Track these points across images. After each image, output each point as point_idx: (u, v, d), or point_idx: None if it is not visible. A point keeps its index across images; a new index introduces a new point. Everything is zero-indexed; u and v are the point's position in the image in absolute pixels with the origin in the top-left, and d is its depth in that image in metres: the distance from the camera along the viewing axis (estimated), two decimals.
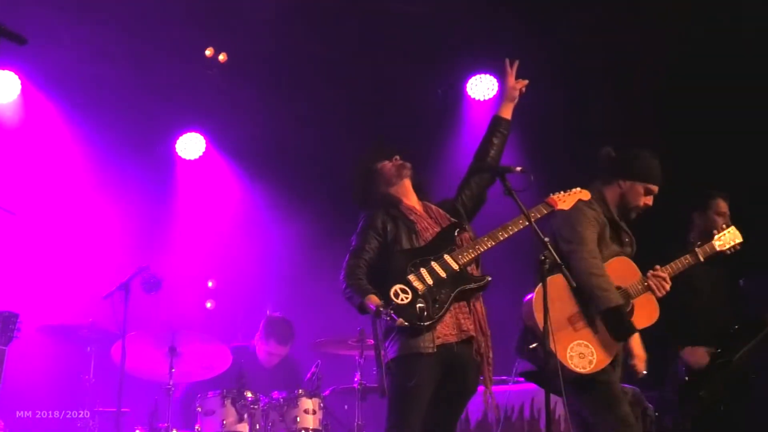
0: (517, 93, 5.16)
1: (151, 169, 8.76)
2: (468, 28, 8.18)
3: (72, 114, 8.10)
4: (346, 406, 7.24)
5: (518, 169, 4.93)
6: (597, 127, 8.06)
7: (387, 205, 4.79)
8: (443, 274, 4.51)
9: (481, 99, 8.66)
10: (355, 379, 6.91)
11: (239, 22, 7.94)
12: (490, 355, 4.64)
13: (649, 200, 5.20)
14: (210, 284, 7.87)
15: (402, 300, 4.40)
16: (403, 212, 4.76)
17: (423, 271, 4.50)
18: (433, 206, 4.89)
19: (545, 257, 4.54)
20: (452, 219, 4.79)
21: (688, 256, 5.20)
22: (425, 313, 4.39)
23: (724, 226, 5.85)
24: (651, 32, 7.78)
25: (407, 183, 4.90)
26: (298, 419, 6.72)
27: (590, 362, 4.86)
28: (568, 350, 4.82)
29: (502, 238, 4.70)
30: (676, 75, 7.89)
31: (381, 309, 4.27)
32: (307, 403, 6.79)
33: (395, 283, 4.44)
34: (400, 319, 4.29)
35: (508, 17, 8.02)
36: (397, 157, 4.92)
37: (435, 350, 4.41)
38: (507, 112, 5.15)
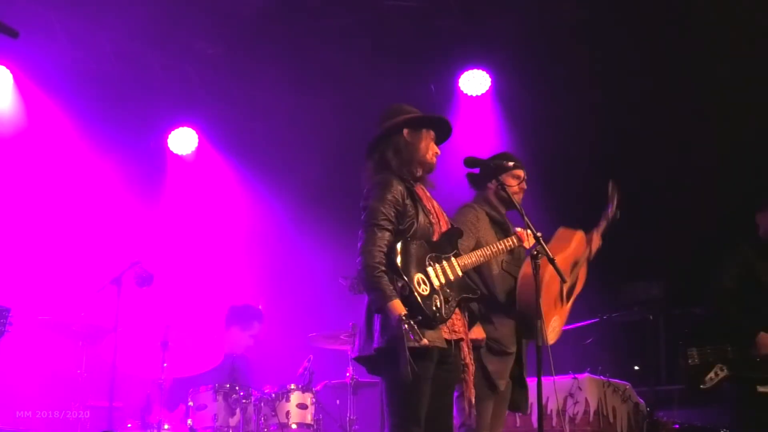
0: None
1: (143, 164, 8.75)
2: (460, 24, 8.17)
3: (64, 109, 8.08)
4: (338, 401, 7.24)
5: (511, 163, 4.97)
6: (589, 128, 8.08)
7: (408, 178, 4.52)
8: (452, 277, 4.41)
9: (473, 94, 8.64)
10: (348, 374, 6.91)
11: (230, 17, 7.91)
12: (473, 366, 4.52)
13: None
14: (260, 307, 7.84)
15: (423, 290, 4.24)
16: (420, 197, 4.50)
17: (438, 267, 4.37)
18: (434, 201, 4.63)
19: (537, 252, 4.57)
20: (450, 221, 4.63)
21: None
22: (443, 310, 4.27)
23: None
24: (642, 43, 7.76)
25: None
26: (290, 413, 6.72)
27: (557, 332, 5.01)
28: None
29: (495, 251, 4.71)
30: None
31: (404, 318, 4.05)
32: (300, 398, 6.78)
33: (417, 271, 4.27)
34: (424, 340, 4.04)
35: (499, 13, 8.02)
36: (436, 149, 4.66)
37: (444, 345, 4.31)
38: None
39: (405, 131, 4.55)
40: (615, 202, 5.38)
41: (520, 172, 5.20)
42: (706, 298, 6.18)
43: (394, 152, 4.54)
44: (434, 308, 4.24)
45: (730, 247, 6.21)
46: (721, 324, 6.08)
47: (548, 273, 4.79)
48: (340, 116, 8.70)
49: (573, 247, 5.13)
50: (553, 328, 4.94)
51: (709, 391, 5.94)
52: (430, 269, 4.33)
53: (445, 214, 4.63)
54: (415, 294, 4.18)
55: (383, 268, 4.21)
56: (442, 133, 4.69)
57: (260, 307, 7.67)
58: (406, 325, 4.02)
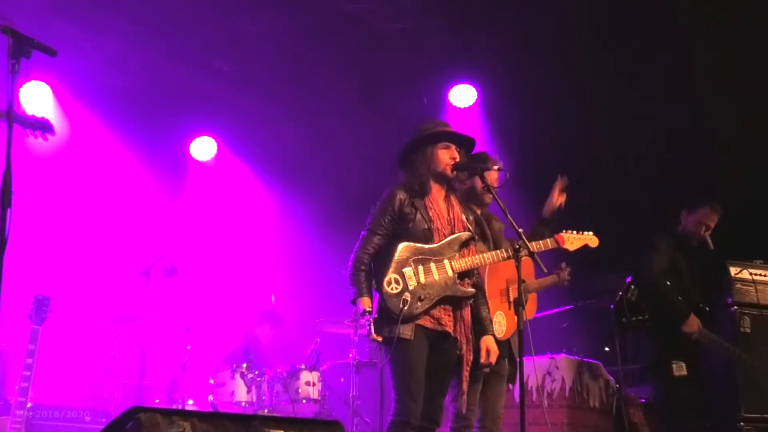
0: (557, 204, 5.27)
1: (168, 169, 8.75)
2: (449, 44, 8.17)
3: (98, 120, 8.08)
4: (342, 379, 7.26)
5: (496, 167, 4.94)
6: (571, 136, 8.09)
7: (416, 188, 4.57)
8: (437, 277, 4.42)
9: (462, 107, 8.65)
10: (350, 355, 6.93)
11: (244, 39, 7.92)
12: (470, 357, 4.53)
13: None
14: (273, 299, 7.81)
15: (392, 289, 4.35)
16: (426, 205, 4.54)
17: (420, 268, 4.41)
18: (456, 206, 4.66)
19: (520, 246, 4.55)
20: (467, 226, 4.63)
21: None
22: (404, 306, 4.31)
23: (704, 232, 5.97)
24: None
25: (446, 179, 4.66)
26: (300, 390, 6.75)
27: (501, 331, 4.91)
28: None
29: (492, 261, 4.62)
30: None
31: (365, 314, 4.35)
32: (308, 376, 6.82)
33: (394, 271, 4.37)
34: (373, 335, 4.31)
35: (485, 32, 8.02)
36: (457, 153, 4.66)
37: (411, 337, 4.35)
38: (549, 212, 5.27)
39: (414, 153, 4.65)
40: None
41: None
42: (641, 278, 6.12)
43: (408, 169, 4.66)
44: (400, 305, 4.30)
45: (655, 237, 6.20)
46: (656, 299, 6.04)
47: (502, 264, 4.77)
48: (342, 125, 8.71)
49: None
50: (498, 322, 4.89)
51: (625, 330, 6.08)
52: (408, 270, 4.39)
53: (464, 223, 4.63)
54: (381, 292, 4.35)
55: (364, 268, 4.48)
56: (463, 140, 4.74)
57: (272, 298, 7.68)
58: (368, 321, 4.32)
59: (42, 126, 3.73)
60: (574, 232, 4.88)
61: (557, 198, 5.29)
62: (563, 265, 5.53)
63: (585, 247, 4.90)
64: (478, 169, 4.74)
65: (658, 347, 6.05)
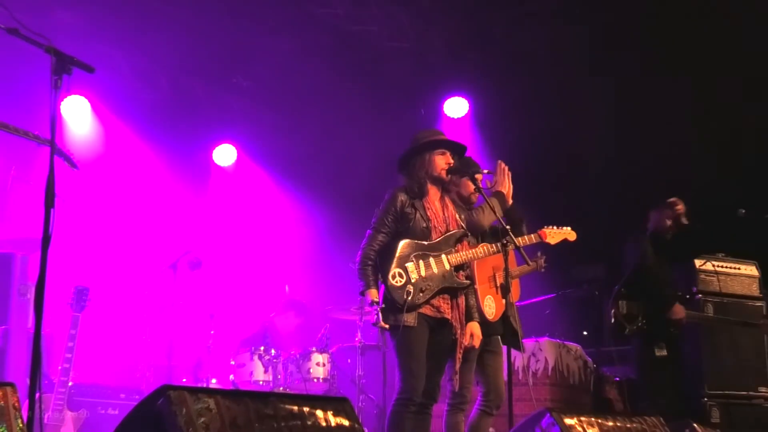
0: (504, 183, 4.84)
1: (193, 173, 8.75)
2: (444, 60, 8.17)
3: (131, 129, 8.08)
4: (348, 360, 7.24)
5: (485, 171, 4.94)
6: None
7: (415, 190, 4.55)
8: (436, 271, 4.42)
9: (455, 117, 8.64)
10: (356, 339, 6.91)
11: (260, 58, 7.92)
12: (464, 341, 4.53)
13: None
14: (287, 289, 7.78)
15: (397, 282, 4.36)
16: (424, 206, 4.54)
17: (421, 263, 4.42)
18: (450, 206, 4.66)
19: (507, 241, 4.55)
20: (461, 224, 4.61)
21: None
22: (408, 297, 4.33)
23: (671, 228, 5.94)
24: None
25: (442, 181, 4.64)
26: (311, 370, 6.74)
27: (491, 313, 4.88)
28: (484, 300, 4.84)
29: (484, 254, 4.60)
30: None
31: (375, 303, 4.34)
32: (318, 358, 6.81)
33: (397, 266, 4.38)
34: (381, 323, 4.30)
35: (475, 50, 8.02)
36: (451, 159, 4.63)
37: (415, 324, 4.36)
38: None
39: (413, 158, 4.62)
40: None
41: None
42: (641, 266, 6.04)
43: (407, 173, 4.65)
44: (404, 296, 4.32)
45: (636, 234, 6.18)
46: (653, 287, 5.99)
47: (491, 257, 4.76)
48: (348, 133, 8.70)
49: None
50: (488, 305, 4.87)
51: (628, 336, 5.94)
52: (410, 264, 4.40)
53: (458, 221, 4.62)
54: (388, 285, 4.35)
55: (370, 263, 4.46)
56: (456, 147, 4.71)
57: (287, 288, 7.67)
58: (376, 310, 4.32)
59: (69, 160, 3.70)
60: (555, 227, 4.88)
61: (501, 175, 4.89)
62: (539, 254, 5.51)
63: (564, 241, 4.91)
64: (470, 172, 4.75)
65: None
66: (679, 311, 5.90)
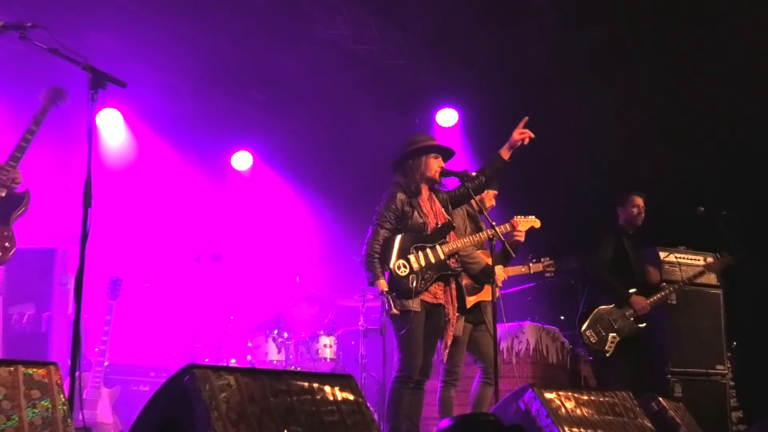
0: (518, 143, 4.74)
1: (214, 177, 8.75)
2: (436, 76, 8.17)
3: (159, 137, 8.07)
4: (352, 342, 7.24)
5: (474, 173, 4.95)
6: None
7: (411, 189, 4.56)
8: (433, 260, 4.44)
9: (446, 126, 8.63)
10: (359, 323, 6.91)
11: (273, 74, 7.92)
12: (454, 321, 4.56)
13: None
14: (297, 279, 7.76)
15: (401, 272, 4.37)
16: (419, 204, 4.56)
17: (420, 254, 4.43)
18: (437, 202, 4.67)
19: (492, 235, 4.56)
20: (447, 216, 4.63)
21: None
22: (414, 285, 4.35)
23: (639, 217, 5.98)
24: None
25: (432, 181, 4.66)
26: (319, 351, 6.74)
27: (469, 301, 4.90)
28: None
29: (471, 243, 4.66)
30: None
31: (384, 293, 4.30)
32: (326, 340, 6.80)
33: (400, 257, 4.38)
34: (394, 309, 4.28)
35: (465, 68, 8.02)
36: (443, 162, 4.66)
37: (419, 310, 4.39)
38: (506, 154, 4.76)
39: (410, 160, 4.62)
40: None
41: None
42: (591, 270, 6.08)
43: (403, 173, 4.64)
44: (409, 285, 4.33)
45: (601, 236, 6.18)
46: (602, 289, 6.01)
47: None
48: (350, 139, 8.69)
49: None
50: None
51: (613, 355, 5.86)
52: (411, 256, 4.41)
53: (444, 214, 4.63)
54: (393, 275, 4.34)
55: (377, 256, 4.42)
56: (447, 152, 4.72)
57: (297, 279, 7.66)
58: (385, 298, 4.29)
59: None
60: (523, 216, 4.94)
61: (519, 133, 4.80)
62: (530, 256, 5.52)
63: (532, 228, 4.96)
64: (460, 174, 4.77)
65: None
66: (638, 303, 5.87)
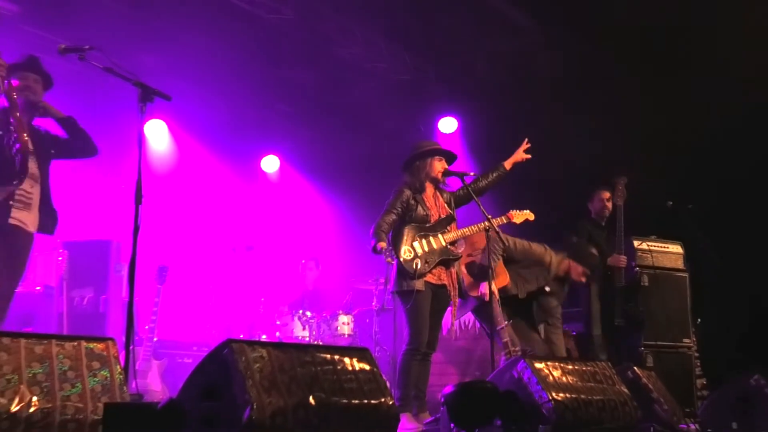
0: (521, 159, 4.92)
1: (246, 179, 8.76)
2: (438, 88, 8.15)
3: (198, 143, 8.09)
4: (367, 320, 7.25)
5: (472, 173, 4.95)
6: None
7: (417, 187, 4.61)
8: (435, 246, 4.48)
9: (447, 133, 8.58)
10: (373, 304, 6.92)
11: (296, 88, 7.92)
12: (457, 299, 4.58)
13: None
14: (303, 262, 7.75)
15: (408, 256, 4.39)
16: (423, 199, 4.60)
17: (424, 241, 4.47)
18: (440, 197, 4.70)
19: (488, 227, 4.56)
20: (449, 210, 4.66)
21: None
22: (418, 267, 4.36)
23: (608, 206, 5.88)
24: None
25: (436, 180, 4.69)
26: (338, 328, 6.75)
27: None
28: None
29: (470, 233, 4.66)
30: None
31: (383, 249, 4.33)
32: (344, 318, 6.81)
33: (407, 244, 4.42)
34: (389, 259, 4.42)
35: (464, 81, 7.99)
36: (445, 163, 4.69)
37: (423, 289, 4.39)
38: (508, 166, 4.91)
39: (417, 162, 4.65)
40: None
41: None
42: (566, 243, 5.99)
43: (410, 173, 4.68)
44: (414, 267, 4.34)
45: (579, 219, 6.12)
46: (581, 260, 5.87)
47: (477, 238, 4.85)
48: (362, 144, 8.66)
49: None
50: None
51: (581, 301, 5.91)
52: (416, 243, 4.44)
53: (446, 208, 4.65)
54: (400, 260, 4.37)
55: (384, 228, 4.42)
56: (450, 155, 4.75)
57: (303, 261, 7.65)
58: (385, 254, 4.42)
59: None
60: (518, 210, 4.90)
61: (521, 155, 4.98)
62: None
63: (527, 221, 4.92)
64: (460, 174, 4.77)
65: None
66: (614, 260, 5.78)
